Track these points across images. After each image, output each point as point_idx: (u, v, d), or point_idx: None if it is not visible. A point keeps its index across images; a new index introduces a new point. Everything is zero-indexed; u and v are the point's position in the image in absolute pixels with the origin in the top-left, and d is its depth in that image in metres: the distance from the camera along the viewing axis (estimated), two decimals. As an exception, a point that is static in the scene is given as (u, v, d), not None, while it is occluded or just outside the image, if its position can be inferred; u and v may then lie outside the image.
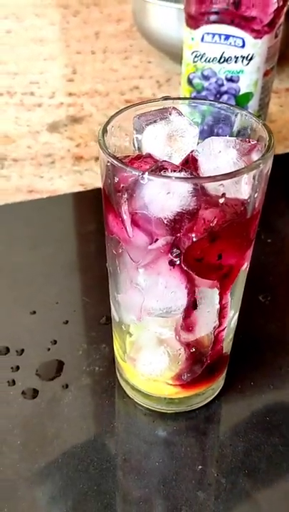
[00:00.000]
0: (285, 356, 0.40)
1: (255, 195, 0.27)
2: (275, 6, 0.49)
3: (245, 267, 0.31)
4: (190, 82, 0.54)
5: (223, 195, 0.26)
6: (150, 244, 0.28)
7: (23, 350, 0.40)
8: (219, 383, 0.37)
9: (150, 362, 0.33)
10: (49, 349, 0.40)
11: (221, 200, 0.26)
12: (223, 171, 0.27)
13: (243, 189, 0.26)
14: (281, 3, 0.49)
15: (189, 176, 0.26)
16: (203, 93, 0.54)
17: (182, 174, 0.26)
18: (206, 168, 0.28)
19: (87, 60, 0.86)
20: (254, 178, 0.27)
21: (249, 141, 0.28)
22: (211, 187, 0.25)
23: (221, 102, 0.31)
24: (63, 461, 0.34)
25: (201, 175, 0.28)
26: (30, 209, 0.54)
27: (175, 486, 0.32)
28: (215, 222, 0.26)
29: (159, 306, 0.30)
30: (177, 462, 0.34)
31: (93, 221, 0.52)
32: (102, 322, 0.42)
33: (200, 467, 0.33)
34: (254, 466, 0.33)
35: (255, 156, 0.28)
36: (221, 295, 0.30)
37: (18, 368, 0.39)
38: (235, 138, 0.28)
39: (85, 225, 0.53)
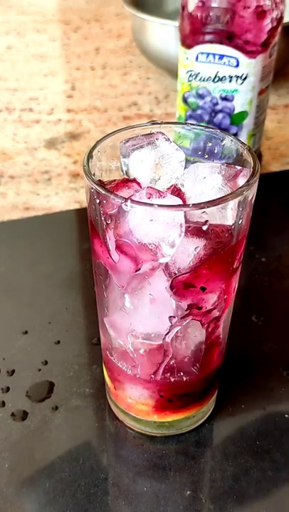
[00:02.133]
0: (278, 378, 0.40)
1: (240, 222, 0.27)
2: (269, 26, 0.49)
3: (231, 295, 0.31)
4: (185, 100, 0.55)
5: (206, 222, 0.25)
6: (135, 269, 0.27)
7: (14, 371, 0.40)
8: (210, 406, 0.37)
9: (137, 386, 0.33)
10: (40, 370, 0.40)
11: (204, 227, 0.26)
12: (208, 197, 0.27)
13: (227, 216, 0.26)
14: (275, 24, 0.50)
15: (172, 204, 0.26)
16: (198, 112, 0.54)
17: (166, 201, 0.26)
18: (190, 194, 0.28)
19: (86, 76, 0.86)
20: (239, 204, 0.27)
21: (235, 167, 0.28)
22: (194, 214, 0.25)
23: (208, 127, 0.31)
24: (50, 485, 0.33)
25: (186, 201, 0.28)
26: (26, 227, 0.55)
27: (163, 511, 0.32)
28: (198, 249, 0.26)
29: (145, 330, 0.30)
30: (166, 487, 0.33)
31: (89, 239, 0.52)
32: (94, 342, 0.42)
33: (188, 492, 0.33)
34: (243, 491, 0.33)
35: (240, 182, 0.28)
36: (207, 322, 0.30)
37: (8, 389, 0.39)
38: (220, 163, 0.28)
39: (81, 243, 0.53)
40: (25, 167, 0.63)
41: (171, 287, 0.28)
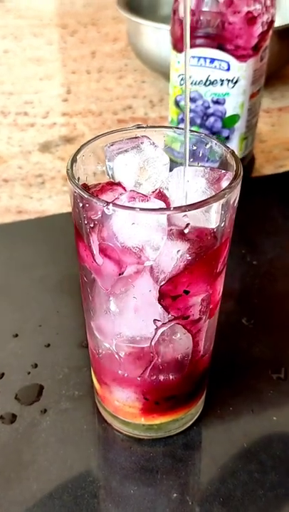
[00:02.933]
0: (267, 381, 0.40)
1: (222, 225, 0.27)
2: (260, 30, 0.50)
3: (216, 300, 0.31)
4: (177, 104, 0.55)
5: (188, 225, 0.26)
6: (119, 272, 0.28)
7: (3, 374, 0.40)
8: (198, 408, 0.37)
9: (123, 389, 0.33)
10: (29, 373, 0.40)
11: (186, 230, 0.26)
12: (192, 200, 0.27)
13: (210, 219, 0.26)
14: (265, 28, 0.50)
15: (154, 207, 0.26)
16: (190, 115, 0.54)
17: (149, 204, 0.26)
18: (174, 197, 0.28)
19: (82, 79, 0.87)
20: (221, 207, 0.27)
21: (219, 170, 0.29)
22: (176, 217, 0.26)
23: (192, 131, 0.31)
24: (38, 487, 0.33)
25: (170, 204, 0.28)
26: (18, 230, 0.55)
27: (149, 514, 0.32)
28: (181, 252, 0.26)
29: (130, 333, 0.30)
30: (153, 489, 0.34)
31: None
32: (84, 345, 0.42)
33: (175, 495, 0.33)
34: (230, 494, 0.33)
35: (224, 185, 0.28)
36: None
37: (-3, 392, 0.39)
38: (204, 167, 0.29)
39: (73, 246, 0.53)
40: (19, 170, 0.64)
41: (160, 294, 0.28)
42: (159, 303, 0.28)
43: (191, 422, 0.37)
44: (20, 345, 0.42)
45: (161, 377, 0.32)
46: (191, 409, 0.36)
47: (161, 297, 0.28)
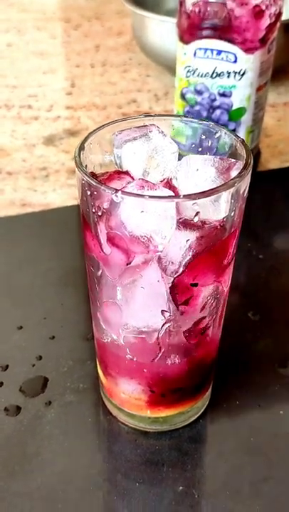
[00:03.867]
0: (273, 375, 0.39)
1: (232, 214, 0.27)
2: (268, 21, 0.49)
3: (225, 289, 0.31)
4: (183, 96, 0.54)
5: (197, 213, 0.25)
6: (126, 262, 0.27)
7: (7, 366, 0.40)
8: (204, 402, 0.37)
9: (129, 381, 0.33)
10: (34, 365, 0.40)
11: (196, 219, 0.25)
12: (201, 189, 0.27)
13: (219, 208, 0.26)
14: (273, 20, 0.49)
15: (163, 195, 0.25)
16: (196, 108, 0.54)
17: (157, 192, 0.26)
18: (183, 186, 0.28)
19: (86, 73, 0.86)
20: (231, 196, 0.26)
21: (228, 160, 0.28)
22: (186, 206, 0.25)
23: (201, 120, 0.31)
24: (42, 480, 0.33)
25: (178, 193, 0.28)
26: (23, 223, 0.54)
27: (155, 507, 0.32)
28: (190, 241, 0.26)
29: (138, 324, 0.30)
30: (158, 482, 0.33)
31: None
32: (88, 338, 0.42)
33: (181, 488, 0.33)
34: (236, 488, 0.33)
35: (234, 174, 0.28)
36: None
37: (1, 384, 0.38)
38: (213, 156, 0.28)
39: (78, 239, 0.53)
40: (23, 163, 0.63)
41: (168, 285, 0.27)
42: (167, 293, 0.28)
43: (196, 416, 0.36)
44: (24, 337, 0.42)
45: (168, 369, 0.32)
46: (197, 403, 0.36)
47: (170, 287, 0.28)
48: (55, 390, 0.38)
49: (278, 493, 0.33)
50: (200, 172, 0.28)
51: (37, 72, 0.87)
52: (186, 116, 0.31)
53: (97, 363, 0.37)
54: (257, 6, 0.48)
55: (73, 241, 0.52)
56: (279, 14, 0.51)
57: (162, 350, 0.31)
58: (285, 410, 0.37)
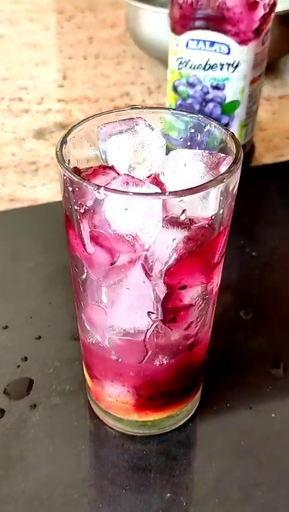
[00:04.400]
0: (265, 376, 0.38)
1: (221, 212, 0.26)
2: (262, 12, 0.48)
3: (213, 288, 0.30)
4: (175, 89, 0.53)
5: (184, 211, 0.24)
6: (111, 262, 0.26)
7: (-9, 367, 0.39)
8: (193, 404, 0.36)
9: (116, 384, 0.32)
10: (19, 366, 0.39)
11: (182, 217, 0.24)
12: (189, 185, 0.26)
13: (207, 205, 0.25)
14: (267, 10, 0.48)
15: (148, 192, 0.24)
16: (189, 101, 0.52)
17: (143, 189, 0.25)
18: (170, 182, 0.27)
19: (78, 65, 0.85)
20: (220, 193, 0.25)
21: (218, 154, 0.27)
22: (172, 203, 0.24)
23: (191, 112, 0.29)
24: (26, 485, 0.32)
25: (165, 190, 0.27)
26: (11, 218, 0.53)
27: (142, 514, 0.31)
28: (177, 240, 0.25)
29: (124, 325, 0.29)
30: (145, 489, 0.32)
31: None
32: (76, 338, 0.40)
33: (169, 495, 0.32)
34: (225, 493, 0.32)
35: (223, 170, 0.26)
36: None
37: (-15, 385, 0.37)
38: (202, 151, 0.27)
39: (66, 235, 0.51)
40: (13, 157, 0.62)
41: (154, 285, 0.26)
42: (154, 294, 0.27)
43: (186, 419, 0.35)
44: (10, 337, 0.41)
45: (155, 372, 0.30)
46: (186, 406, 0.35)
47: (156, 288, 0.26)
48: (41, 393, 0.37)
49: (270, 498, 0.32)
50: (188, 167, 0.26)
51: (29, 63, 0.85)
52: (175, 109, 0.30)
53: (83, 365, 0.35)
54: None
55: (62, 237, 0.51)
56: (273, 4, 0.49)
57: (149, 353, 0.30)
58: (277, 413, 0.36)
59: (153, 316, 0.28)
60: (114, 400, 0.33)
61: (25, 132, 0.67)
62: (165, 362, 0.30)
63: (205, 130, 0.29)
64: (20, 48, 0.91)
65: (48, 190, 0.57)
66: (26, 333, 0.41)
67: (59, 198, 0.55)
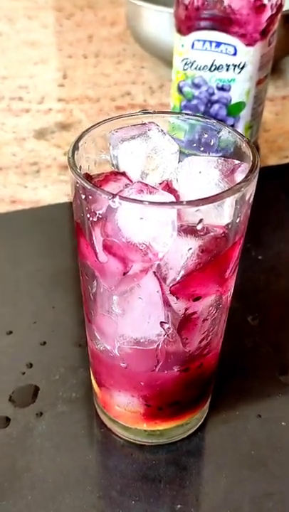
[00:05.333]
0: (274, 383, 0.38)
1: (237, 221, 0.25)
2: (269, 13, 0.47)
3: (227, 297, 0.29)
4: (180, 90, 0.52)
5: (201, 220, 0.23)
6: (124, 271, 0.25)
7: (-4, 374, 0.38)
8: (203, 413, 0.35)
9: (125, 394, 0.31)
10: (24, 373, 0.38)
11: (199, 226, 0.24)
12: (204, 193, 0.25)
13: (223, 214, 0.24)
14: (274, 11, 0.47)
15: (164, 201, 0.24)
16: (194, 102, 0.52)
17: (158, 197, 0.24)
18: (184, 190, 0.26)
19: (78, 64, 0.84)
20: (236, 202, 0.24)
21: (232, 161, 0.26)
22: (188, 212, 0.23)
23: (204, 117, 0.29)
24: (33, 498, 0.31)
25: (179, 197, 0.26)
26: (12, 220, 0.52)
27: (152, 527, 0.30)
28: (192, 250, 0.24)
29: (135, 335, 0.28)
30: (155, 500, 0.32)
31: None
32: (81, 344, 0.40)
33: (179, 506, 0.31)
34: (237, 505, 0.31)
35: (239, 177, 0.26)
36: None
37: (-10, 393, 0.37)
38: (217, 157, 0.26)
39: (70, 238, 0.51)
40: (13, 158, 0.61)
41: (167, 295, 0.26)
42: (167, 304, 0.26)
43: (195, 428, 0.35)
44: (14, 343, 0.40)
45: (166, 382, 0.30)
46: (195, 414, 0.34)
47: (170, 298, 0.26)
48: (47, 400, 0.36)
49: (281, 509, 0.31)
50: (203, 174, 0.26)
51: (28, 62, 0.84)
52: (187, 114, 0.29)
53: (91, 373, 0.35)
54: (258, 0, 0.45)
55: (65, 240, 0.50)
56: (280, 5, 0.49)
57: (160, 363, 0.29)
58: (287, 421, 0.35)
59: (165, 326, 0.27)
60: (123, 409, 0.32)
61: (25, 132, 0.66)
62: (176, 371, 0.30)
63: (219, 135, 0.28)
64: (19, 46, 0.90)
65: (49, 192, 0.56)
66: (30, 338, 0.40)
67: (62, 199, 0.55)
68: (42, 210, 0.54)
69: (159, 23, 0.71)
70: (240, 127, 0.52)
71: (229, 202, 0.24)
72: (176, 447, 0.34)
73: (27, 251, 0.49)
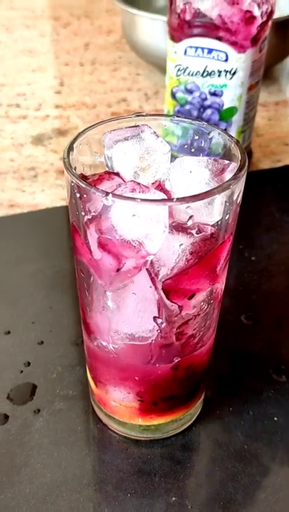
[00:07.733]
0: (267, 380, 0.39)
1: (227, 218, 0.26)
2: (259, 21, 0.48)
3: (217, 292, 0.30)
4: (173, 95, 0.53)
5: (191, 217, 0.24)
6: (117, 267, 0.26)
7: (-6, 373, 0.39)
8: (196, 409, 0.36)
9: (120, 389, 0.32)
10: (22, 371, 0.39)
11: (189, 223, 0.25)
12: (194, 192, 0.26)
13: (213, 211, 0.25)
14: (265, 19, 0.49)
15: (155, 198, 0.25)
16: (187, 107, 0.53)
17: (150, 195, 0.25)
18: (176, 189, 0.27)
19: (75, 71, 0.85)
20: (225, 199, 0.25)
21: (222, 161, 0.27)
22: (179, 209, 0.24)
23: (194, 119, 0.30)
24: (31, 491, 0.32)
25: (171, 196, 0.27)
26: (10, 224, 0.53)
27: (147, 518, 0.31)
28: (183, 246, 0.25)
29: (129, 330, 0.29)
30: (150, 493, 0.32)
31: (74, 237, 0.51)
32: (78, 343, 0.41)
33: (174, 498, 0.32)
34: (230, 497, 0.32)
35: (228, 176, 0.27)
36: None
37: (-12, 391, 0.37)
38: (207, 157, 0.27)
39: (66, 241, 0.52)
40: (11, 163, 0.62)
41: (160, 291, 0.26)
42: (160, 299, 0.27)
43: (189, 423, 0.36)
44: (12, 342, 0.41)
45: (160, 376, 0.31)
46: (189, 410, 0.35)
47: (162, 293, 0.27)
48: (44, 398, 0.37)
49: (273, 501, 0.32)
50: (193, 174, 0.27)
51: (26, 70, 0.85)
52: (178, 116, 0.30)
53: (87, 370, 0.36)
54: (248, 11, 0.47)
55: (62, 242, 0.51)
56: (271, 13, 0.50)
57: (154, 358, 0.30)
58: (279, 417, 0.36)
59: (158, 321, 0.28)
60: (119, 404, 0.33)
61: (23, 138, 0.67)
62: (169, 365, 0.31)
63: (209, 137, 0.29)
64: (17, 55, 0.91)
65: (47, 196, 0.57)
66: (28, 338, 0.41)
67: (59, 203, 0.56)
68: (39, 213, 0.55)
69: (154, 31, 0.73)
70: (233, 132, 0.54)
71: (219, 200, 0.25)
72: (170, 442, 0.35)
73: (25, 253, 0.50)
